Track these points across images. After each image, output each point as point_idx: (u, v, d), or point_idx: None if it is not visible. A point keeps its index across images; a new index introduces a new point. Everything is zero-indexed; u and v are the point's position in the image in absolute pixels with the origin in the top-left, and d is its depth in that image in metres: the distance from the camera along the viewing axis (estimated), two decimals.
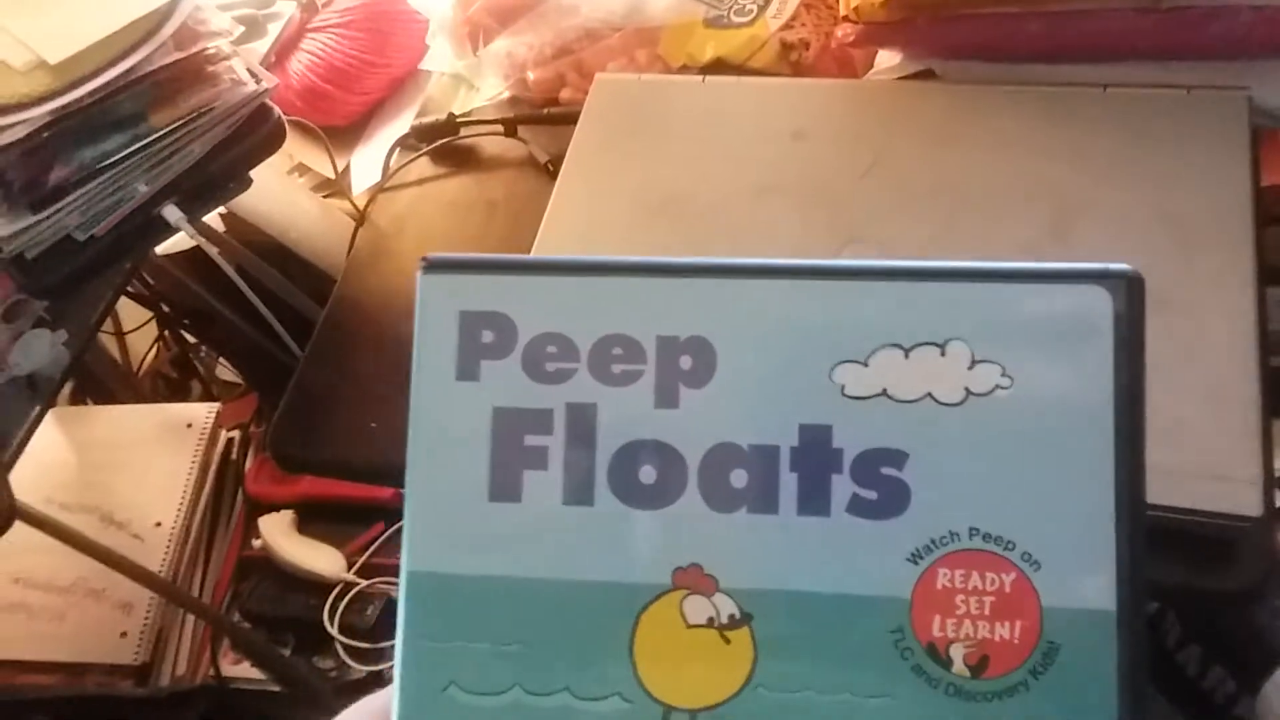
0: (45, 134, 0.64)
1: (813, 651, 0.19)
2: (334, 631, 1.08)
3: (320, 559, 1.19)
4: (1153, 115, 0.62)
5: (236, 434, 1.27)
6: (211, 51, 0.68)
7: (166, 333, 1.36)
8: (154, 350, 1.41)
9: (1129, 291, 0.20)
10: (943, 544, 0.19)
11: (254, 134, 0.72)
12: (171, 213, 0.69)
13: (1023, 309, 0.19)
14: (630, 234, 0.67)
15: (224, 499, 1.24)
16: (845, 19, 0.68)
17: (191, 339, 1.38)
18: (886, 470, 0.19)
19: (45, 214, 0.65)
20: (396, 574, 0.85)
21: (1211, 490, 0.49)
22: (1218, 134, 0.60)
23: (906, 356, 0.19)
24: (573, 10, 0.78)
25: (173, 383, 1.44)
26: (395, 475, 0.71)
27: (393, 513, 1.16)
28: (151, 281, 1.20)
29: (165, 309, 1.28)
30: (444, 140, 0.81)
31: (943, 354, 0.19)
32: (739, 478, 0.20)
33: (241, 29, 0.71)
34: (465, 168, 0.80)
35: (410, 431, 0.22)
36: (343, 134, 1.06)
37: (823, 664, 0.19)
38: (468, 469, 0.21)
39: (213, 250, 0.76)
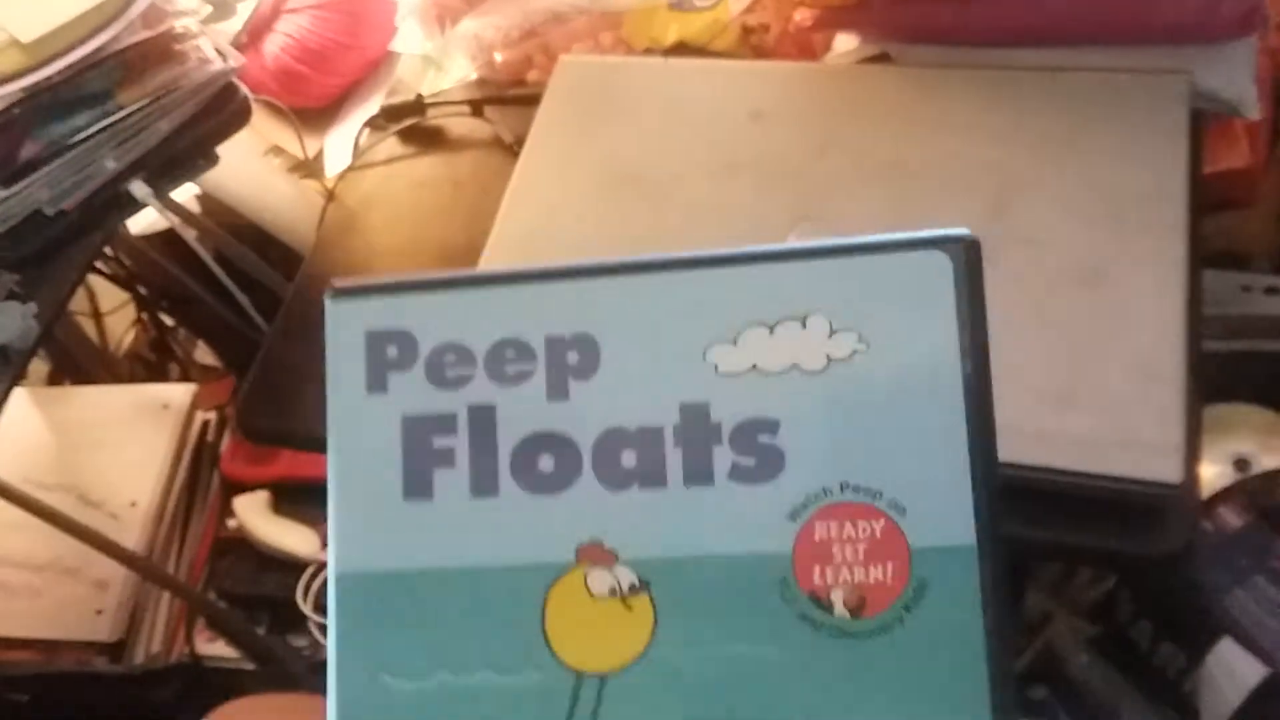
0: (16, 110, 0.66)
1: (706, 610, 0.21)
2: (307, 610, 1.09)
3: (294, 538, 1.20)
4: (1098, 98, 0.64)
5: (213, 415, 1.28)
6: (179, 30, 0.69)
7: (144, 315, 1.37)
8: (132, 333, 1.42)
9: (966, 254, 0.21)
10: (817, 500, 0.21)
11: (220, 112, 0.73)
12: (139, 188, 0.70)
13: (872, 278, 0.21)
14: (591, 211, 0.68)
15: (200, 479, 1.25)
16: (803, 3, 0.70)
17: (169, 321, 1.39)
18: (762, 438, 0.21)
19: (15, 189, 0.66)
20: None
21: (1135, 458, 0.51)
22: (1158, 116, 0.62)
23: (771, 333, 0.21)
24: None
25: (151, 365, 1.45)
26: None
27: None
28: (129, 263, 1.21)
29: (143, 291, 1.29)
30: (412, 120, 0.82)
31: (804, 327, 0.21)
32: (629, 458, 0.21)
33: (210, 9, 0.72)
34: (432, 147, 0.81)
35: (329, 444, 0.23)
36: (318, 115, 1.07)
37: (717, 621, 0.21)
38: (382, 473, 0.23)
39: (176, 222, 0.78)
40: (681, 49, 0.78)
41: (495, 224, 0.70)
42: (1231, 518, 0.82)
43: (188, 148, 0.72)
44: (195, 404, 1.26)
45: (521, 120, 0.78)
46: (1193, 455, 0.52)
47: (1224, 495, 0.83)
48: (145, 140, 0.68)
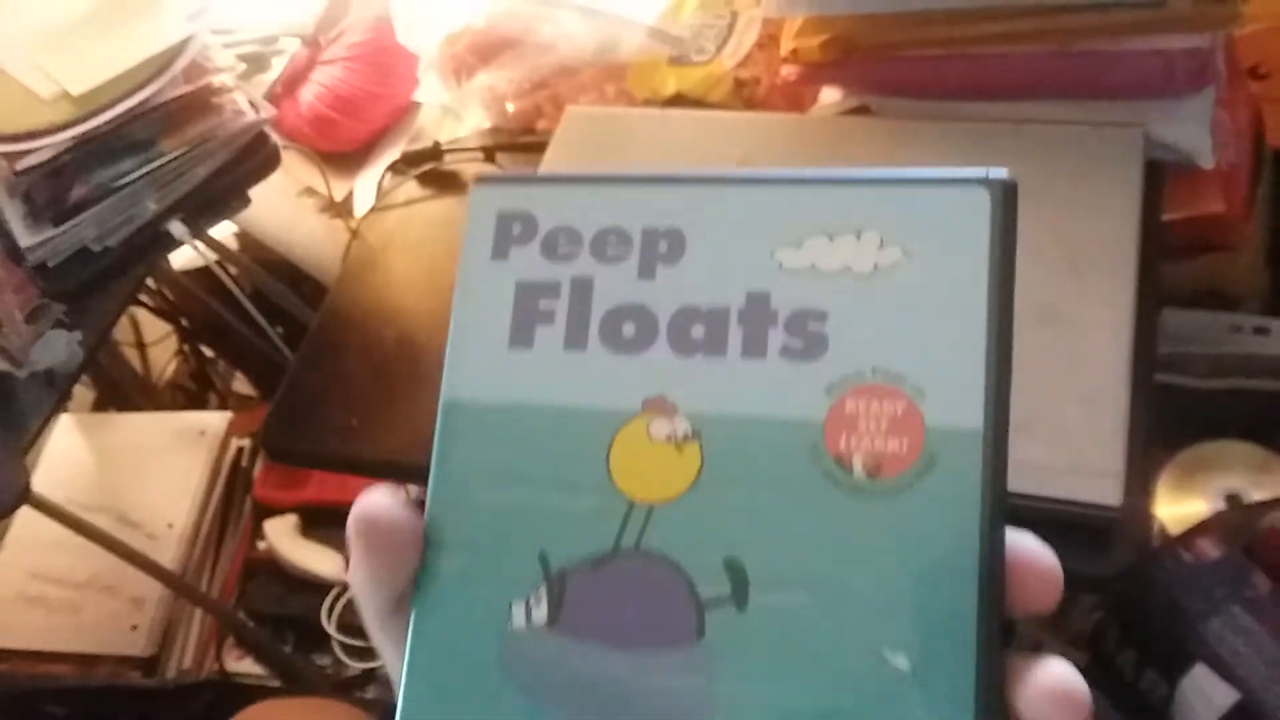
0: (67, 157, 0.72)
1: (745, 461, 0.25)
2: (331, 630, 1.13)
3: (320, 561, 1.24)
4: (1059, 149, 0.69)
5: (247, 442, 1.33)
6: (216, 85, 0.76)
7: (186, 346, 1.43)
8: (174, 363, 1.48)
9: (1004, 192, 0.26)
10: (851, 380, 0.25)
11: (253, 159, 0.79)
12: (177, 228, 0.76)
13: (922, 204, 0.25)
14: None
15: (234, 503, 1.30)
16: (790, 59, 0.75)
17: (209, 353, 1.45)
18: (811, 325, 0.25)
19: (65, 227, 0.72)
20: None
21: (1079, 482, 0.55)
22: (1114, 167, 0.66)
23: (831, 240, 0.25)
24: (549, 48, 0.85)
25: (191, 394, 1.51)
26: (370, 468, 0.77)
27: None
28: (172, 297, 1.28)
29: (185, 324, 1.36)
30: (430, 165, 0.89)
31: (858, 239, 0.25)
32: (698, 330, 0.26)
33: (244, 66, 0.78)
34: (448, 190, 0.88)
35: (455, 298, 0.27)
36: (349, 159, 1.14)
37: (753, 471, 0.25)
38: (493, 324, 0.27)
39: (211, 259, 0.84)
40: (679, 100, 0.83)
41: None
42: (1210, 549, 0.85)
43: (223, 191, 0.79)
44: (231, 431, 1.31)
45: (533, 165, 0.84)
46: (1136, 480, 0.56)
47: (1203, 527, 0.85)
48: (184, 184, 0.75)
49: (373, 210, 0.89)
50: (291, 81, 1.06)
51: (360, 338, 0.80)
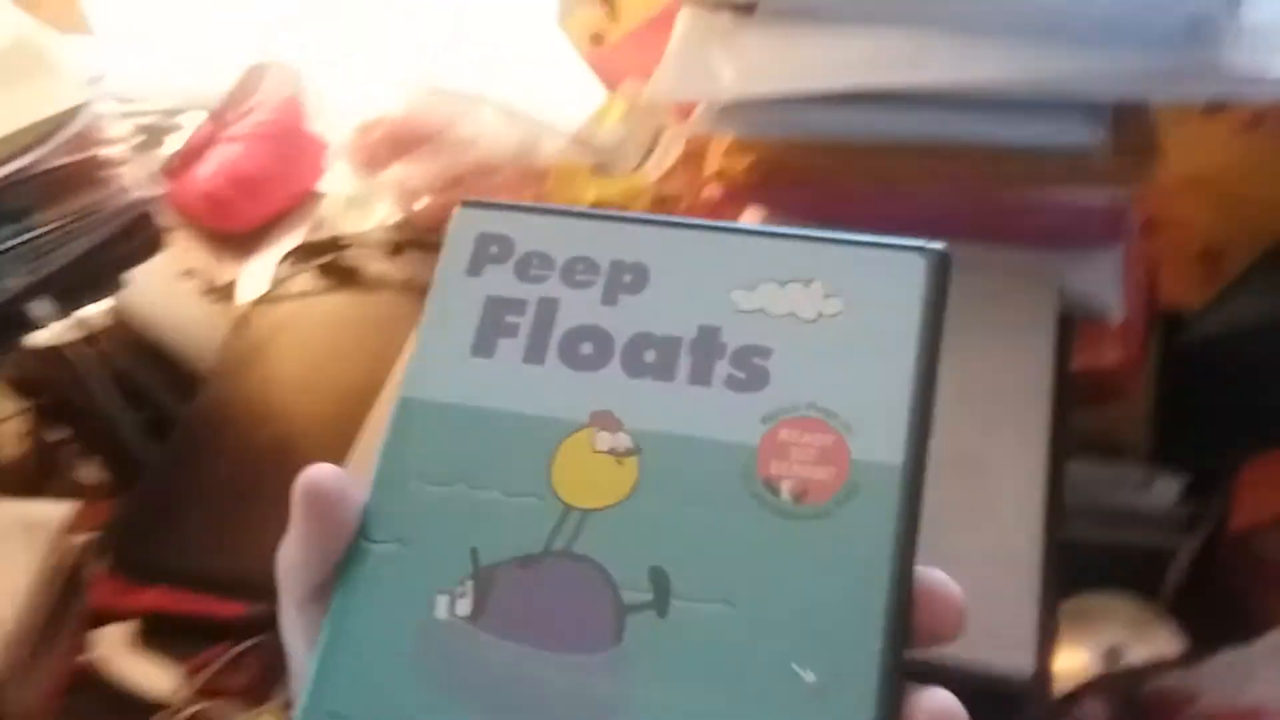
0: None
1: (681, 477, 0.26)
2: None
3: (155, 677, 1.14)
4: (975, 295, 0.67)
5: (89, 538, 1.22)
6: (104, 157, 0.70)
7: (36, 425, 1.32)
8: (19, 442, 1.36)
9: (938, 260, 0.28)
10: (786, 411, 0.27)
11: (133, 239, 0.73)
12: (40, 308, 0.70)
13: (864, 263, 0.28)
14: None
15: (68, 605, 1.19)
16: (713, 179, 0.74)
17: (61, 435, 1.34)
18: (755, 360, 0.27)
19: None
20: (238, 696, 0.80)
21: (992, 649, 0.53)
22: (1028, 316, 0.66)
23: (781, 287, 0.28)
24: (468, 145, 0.83)
25: (30, 479, 1.39)
26: (233, 589, 0.69)
27: (242, 631, 1.13)
28: (26, 371, 1.18)
29: (38, 401, 1.25)
30: (329, 256, 0.84)
31: (806, 287, 0.28)
32: (650, 355, 0.28)
33: (141, 137, 0.73)
34: (347, 286, 0.83)
35: (427, 305, 0.29)
36: (240, 242, 1.08)
37: (687, 488, 0.26)
38: (459, 332, 0.28)
39: (69, 346, 0.77)
40: None
41: (395, 369, 0.71)
42: (1098, 709, 0.84)
43: (97, 271, 0.73)
44: (74, 524, 1.21)
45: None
46: (1045, 646, 0.54)
47: (1092, 686, 0.84)
48: (55, 260, 0.68)
49: (261, 300, 0.83)
50: (190, 156, 1.00)
51: (233, 439, 0.74)
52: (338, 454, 0.66)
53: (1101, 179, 0.65)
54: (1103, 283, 0.69)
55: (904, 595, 0.25)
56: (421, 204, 0.84)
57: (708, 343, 0.28)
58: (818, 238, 0.28)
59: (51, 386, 1.17)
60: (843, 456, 0.26)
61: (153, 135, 0.82)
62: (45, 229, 0.68)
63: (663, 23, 1.05)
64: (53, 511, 1.19)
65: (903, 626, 0.25)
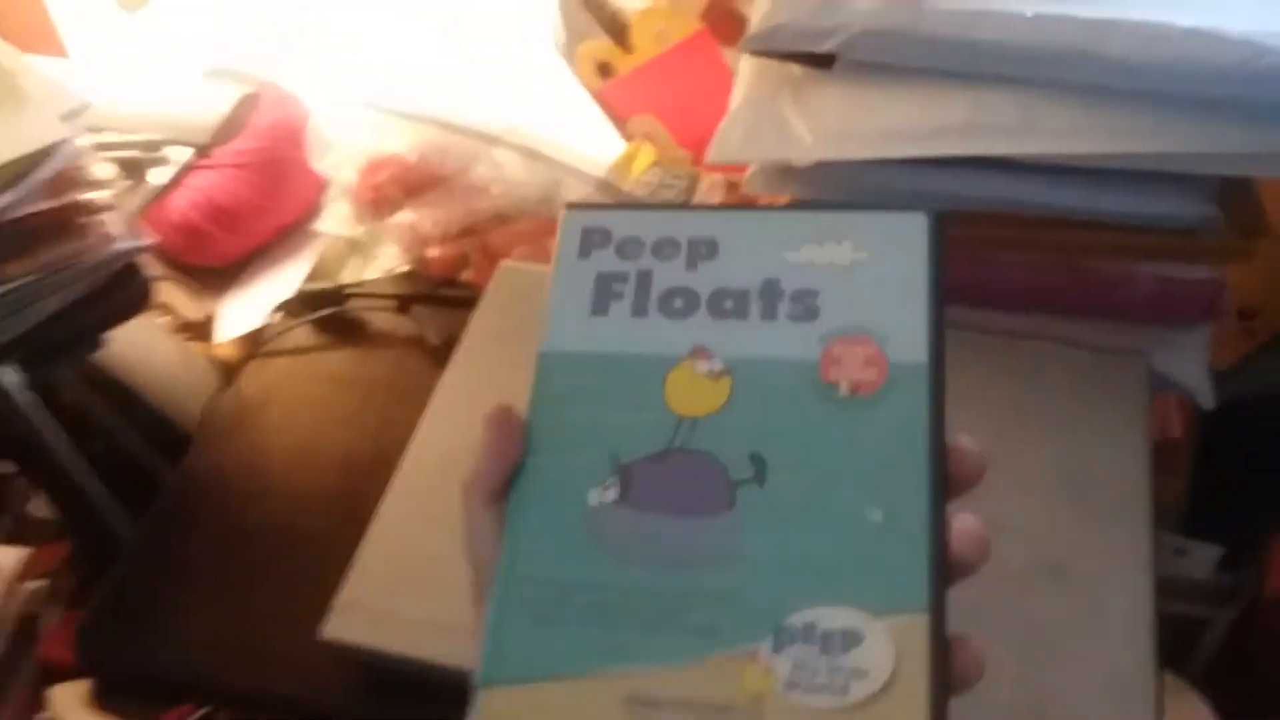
0: None
1: (764, 387, 0.34)
2: None
3: None
4: (1056, 371, 0.63)
5: (42, 584, 1.13)
6: (84, 202, 0.61)
7: None
8: None
9: (938, 217, 0.36)
10: (837, 333, 0.34)
11: (117, 295, 0.65)
12: (8, 375, 0.61)
13: (882, 224, 0.36)
14: None
15: (21, 659, 1.10)
16: None
17: (9, 468, 1.24)
18: (808, 299, 0.35)
19: None
20: None
21: None
22: (1119, 399, 0.61)
23: (820, 246, 0.36)
24: (483, 191, 0.75)
25: None
26: (220, 698, 0.61)
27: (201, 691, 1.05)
28: None
29: None
30: (330, 310, 0.76)
31: (839, 244, 0.36)
32: (728, 303, 0.36)
33: (126, 180, 0.64)
34: (350, 341, 0.75)
35: (551, 285, 0.37)
36: (217, 276, 1.00)
37: (769, 393, 0.34)
38: (580, 301, 0.36)
39: (44, 420, 0.68)
40: None
41: (413, 440, 0.63)
42: None
43: (72, 331, 0.64)
44: (26, 570, 1.11)
45: (450, 322, 0.73)
46: None
47: None
48: (26, 319, 0.60)
49: (253, 357, 0.75)
50: (168, 185, 0.92)
51: (219, 517, 0.66)
52: (345, 535, 0.59)
53: (1206, 256, 0.59)
54: (1190, 364, 0.64)
55: (939, 450, 0.32)
56: (433, 252, 0.76)
57: (770, 290, 0.36)
58: (843, 207, 0.37)
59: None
60: (882, 361, 0.34)
61: (136, 173, 0.73)
62: (15, 284, 0.59)
63: (678, 55, 0.99)
64: (5, 557, 1.10)
65: (941, 473, 0.32)
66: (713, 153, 0.58)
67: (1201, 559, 0.94)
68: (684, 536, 0.32)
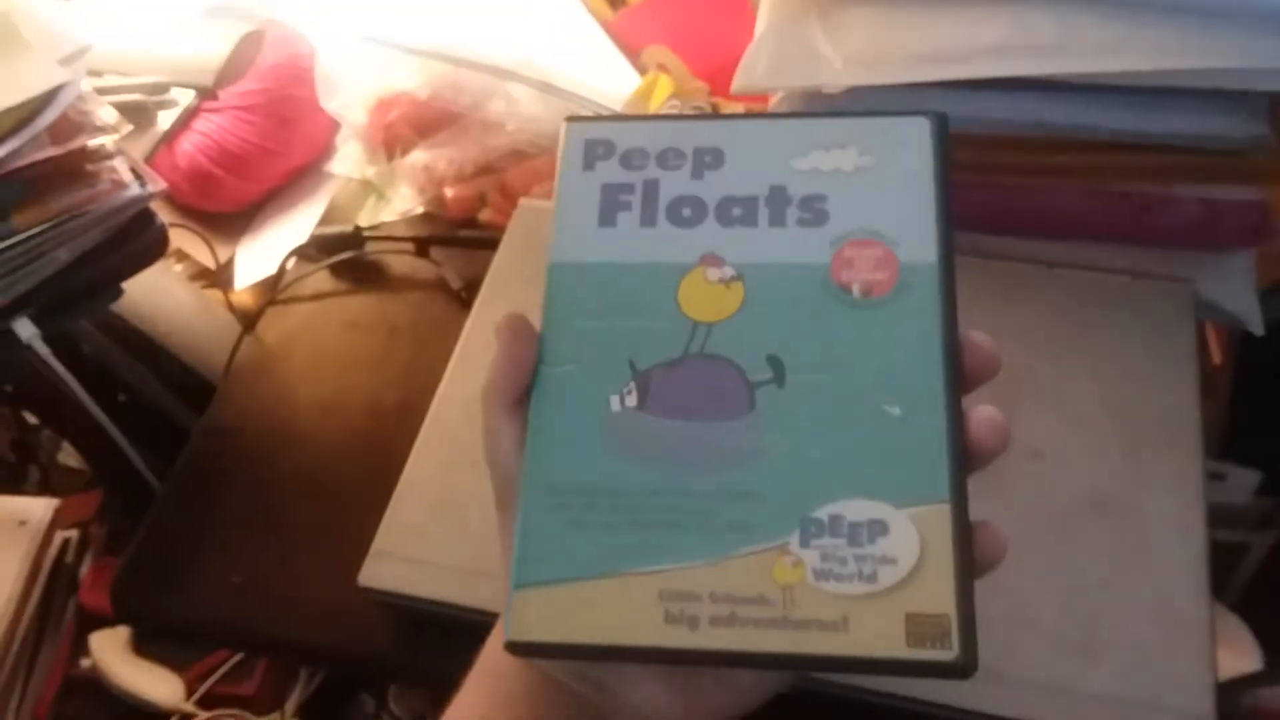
0: None
1: (776, 291, 0.34)
2: None
3: (155, 684, 1.07)
4: (1098, 300, 0.61)
5: (74, 534, 1.14)
6: (92, 148, 0.60)
7: (7, 410, 1.22)
8: None
9: (939, 120, 0.37)
10: (846, 236, 0.35)
11: (131, 243, 0.63)
12: (24, 328, 0.60)
13: (885, 128, 0.37)
14: None
15: (54, 608, 1.11)
16: None
17: (34, 420, 1.25)
18: (817, 204, 0.35)
19: None
20: (240, 705, 0.74)
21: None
22: (1166, 328, 0.59)
23: (826, 152, 0.36)
24: (498, 128, 0.73)
25: (9, 467, 1.30)
26: (255, 644, 0.62)
27: (236, 638, 1.06)
28: None
29: (8, 388, 1.15)
30: (347, 254, 0.74)
31: (844, 149, 0.36)
32: (736, 211, 0.36)
33: (131, 127, 0.63)
34: (369, 286, 0.73)
35: (555, 198, 0.37)
36: (231, 221, 0.98)
37: (782, 296, 0.34)
38: (587, 212, 0.36)
39: (63, 373, 0.67)
40: None
41: (441, 384, 0.62)
42: None
43: (88, 281, 0.62)
44: (56, 521, 1.12)
45: (470, 264, 0.71)
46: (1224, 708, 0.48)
47: None
48: (39, 271, 0.58)
49: (271, 304, 0.74)
50: (172, 130, 0.90)
51: (248, 468, 0.65)
52: (374, 481, 0.58)
53: (1256, 177, 0.57)
54: (1239, 289, 0.61)
55: (953, 345, 0.33)
56: (449, 193, 0.74)
57: (779, 197, 0.36)
58: (846, 113, 0.37)
59: (11, 372, 1.07)
60: (893, 262, 0.34)
61: (138, 115, 0.71)
62: (24, 235, 0.58)
63: None
64: (36, 508, 1.11)
65: (956, 367, 0.33)
66: (739, 82, 0.55)
67: (1240, 484, 0.92)
68: (706, 439, 0.33)
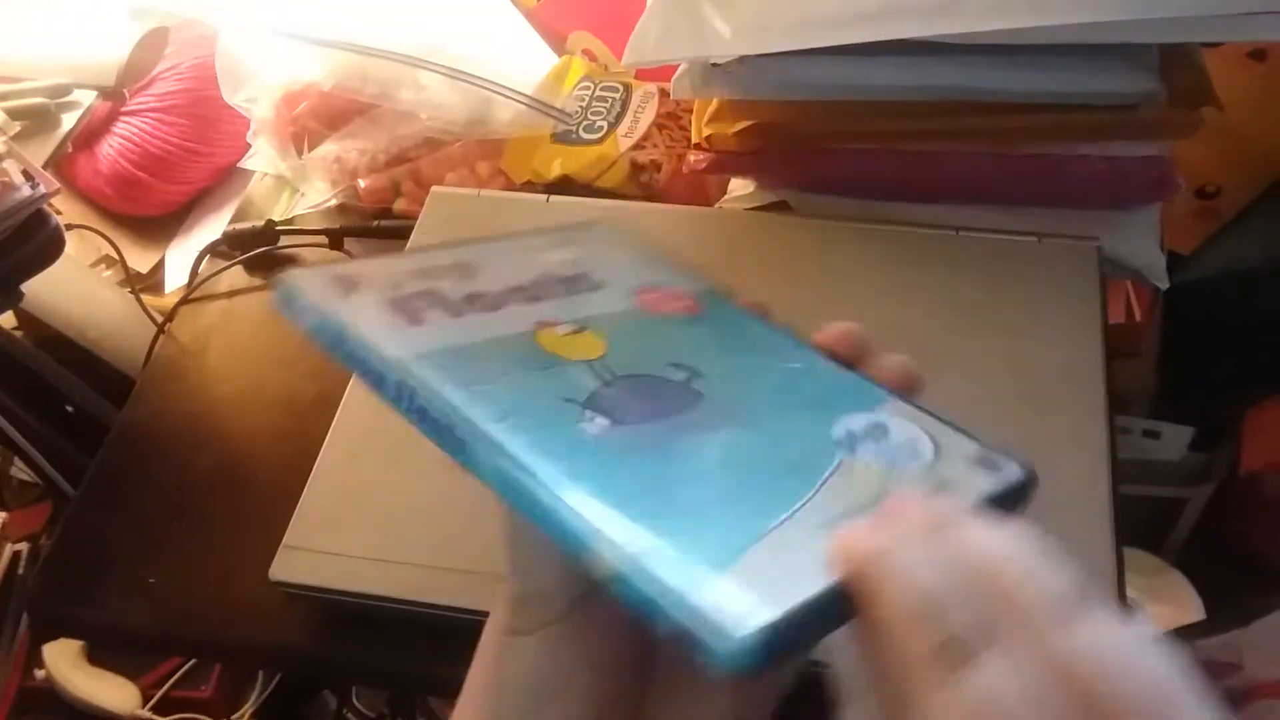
0: None
1: (620, 329, 0.35)
2: None
3: (110, 693, 1.07)
4: (1005, 261, 0.61)
5: (25, 547, 1.13)
6: None
7: None
8: None
9: (613, 226, 0.41)
10: (633, 289, 0.37)
11: (25, 245, 0.62)
12: None
13: (586, 229, 0.41)
14: None
15: (6, 620, 1.11)
16: (698, 146, 0.65)
17: None
18: (587, 277, 0.37)
19: None
20: (197, 709, 0.74)
21: None
22: (1070, 284, 0.59)
23: (553, 250, 0.39)
24: (410, 117, 0.72)
25: None
26: (173, 646, 0.61)
27: (159, 642, 1.06)
28: None
29: None
30: (261, 249, 0.74)
31: (566, 248, 0.39)
32: (527, 293, 0.36)
33: (18, 126, 0.62)
34: None
35: (352, 333, 0.32)
36: (162, 224, 0.97)
37: (628, 331, 0.35)
38: (387, 322, 0.33)
39: None
40: (565, 184, 0.72)
41: (352, 379, 0.61)
42: None
43: None
44: (5, 534, 1.11)
45: (389, 252, 0.71)
46: None
47: None
48: None
49: (186, 301, 0.73)
50: (89, 135, 0.88)
51: (161, 466, 0.64)
52: (293, 476, 0.58)
53: (1151, 132, 0.57)
54: (1144, 244, 0.62)
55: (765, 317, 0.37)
56: (362, 184, 0.74)
57: (552, 279, 0.36)
58: (542, 231, 0.39)
59: None
60: (680, 293, 0.36)
61: (40, 119, 0.70)
62: None
63: None
64: None
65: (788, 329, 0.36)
66: (629, 55, 0.55)
67: (1174, 441, 0.93)
68: (694, 427, 0.32)
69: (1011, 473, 0.31)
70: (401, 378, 0.31)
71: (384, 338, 0.32)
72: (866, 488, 0.30)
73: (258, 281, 0.73)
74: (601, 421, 0.31)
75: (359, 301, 0.33)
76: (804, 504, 0.29)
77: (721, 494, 0.30)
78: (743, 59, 0.53)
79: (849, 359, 0.34)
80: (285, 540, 0.55)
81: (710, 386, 0.33)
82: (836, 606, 0.25)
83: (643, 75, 0.79)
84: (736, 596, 0.25)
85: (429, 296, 0.34)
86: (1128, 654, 0.21)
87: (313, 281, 0.33)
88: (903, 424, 0.32)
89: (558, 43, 0.86)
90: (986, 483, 0.30)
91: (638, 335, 0.35)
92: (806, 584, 0.26)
